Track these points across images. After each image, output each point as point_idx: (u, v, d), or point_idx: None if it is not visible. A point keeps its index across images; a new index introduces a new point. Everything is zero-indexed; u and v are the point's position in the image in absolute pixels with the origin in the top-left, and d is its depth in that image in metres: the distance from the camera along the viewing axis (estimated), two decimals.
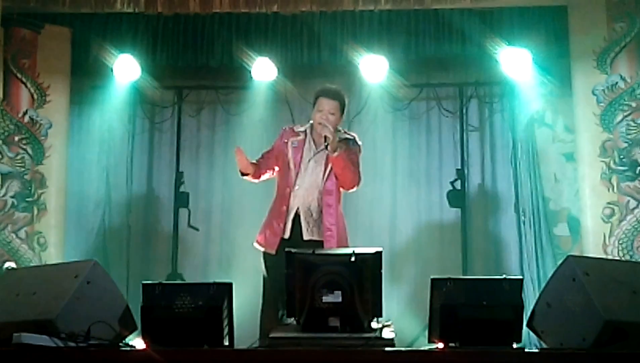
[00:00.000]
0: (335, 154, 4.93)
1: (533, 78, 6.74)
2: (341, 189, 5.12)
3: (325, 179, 5.05)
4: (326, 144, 4.93)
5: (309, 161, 5.09)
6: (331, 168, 5.04)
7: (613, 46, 6.34)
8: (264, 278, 5.06)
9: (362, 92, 7.22)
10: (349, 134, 5.20)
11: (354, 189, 5.14)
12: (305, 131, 5.16)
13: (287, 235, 5.01)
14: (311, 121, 5.15)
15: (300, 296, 3.71)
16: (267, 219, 5.14)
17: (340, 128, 5.14)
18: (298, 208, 5.03)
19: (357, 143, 5.18)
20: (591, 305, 3.40)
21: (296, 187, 5.04)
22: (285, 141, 5.16)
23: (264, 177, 5.25)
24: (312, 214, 5.02)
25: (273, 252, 4.96)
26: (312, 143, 5.13)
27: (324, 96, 5.07)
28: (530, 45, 6.56)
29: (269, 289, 4.98)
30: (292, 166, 5.08)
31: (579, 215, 6.55)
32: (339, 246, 4.98)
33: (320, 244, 4.96)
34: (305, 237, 5.00)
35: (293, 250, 3.91)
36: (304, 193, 5.03)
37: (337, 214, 5.06)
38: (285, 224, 5.02)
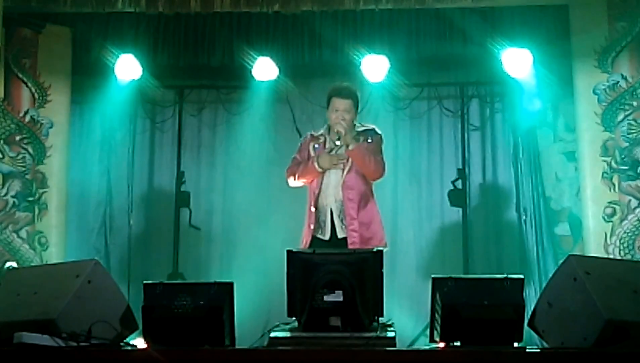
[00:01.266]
0: (351, 147, 5.02)
1: (534, 77, 6.73)
2: (369, 180, 5.21)
3: (345, 174, 5.11)
4: (337, 137, 5.03)
5: None
6: (352, 163, 5.12)
7: (614, 45, 6.33)
8: None
9: (363, 92, 7.17)
10: (367, 126, 5.29)
11: (380, 178, 5.23)
12: (324, 133, 5.26)
13: (327, 236, 5.12)
14: (328, 122, 5.26)
15: (301, 296, 3.71)
16: (305, 226, 5.24)
17: (357, 123, 5.26)
18: (331, 208, 5.09)
19: (376, 132, 5.27)
20: (592, 304, 3.39)
21: (324, 188, 5.14)
22: (308, 147, 5.28)
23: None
24: (343, 212, 5.09)
25: None
26: (331, 143, 5.23)
27: (337, 95, 5.18)
28: (532, 44, 6.56)
29: None
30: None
31: (580, 214, 6.54)
32: (368, 241, 5.04)
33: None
34: (340, 236, 5.09)
35: (294, 250, 3.92)
36: (333, 192, 5.14)
37: (360, 208, 5.11)
38: (321, 225, 5.11)
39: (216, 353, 3.39)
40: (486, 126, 7.35)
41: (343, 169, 5.16)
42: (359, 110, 5.33)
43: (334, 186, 5.16)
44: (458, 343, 3.50)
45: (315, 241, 5.13)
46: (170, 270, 7.08)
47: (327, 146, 5.27)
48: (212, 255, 7.36)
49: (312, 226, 5.13)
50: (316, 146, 5.24)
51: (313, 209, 5.14)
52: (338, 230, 5.12)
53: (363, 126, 5.28)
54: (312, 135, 5.37)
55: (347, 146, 5.07)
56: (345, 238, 5.09)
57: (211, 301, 3.52)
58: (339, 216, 5.12)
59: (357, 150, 5.08)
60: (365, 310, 3.68)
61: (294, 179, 5.28)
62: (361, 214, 5.12)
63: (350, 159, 5.17)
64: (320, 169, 5.16)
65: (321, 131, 5.35)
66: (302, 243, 5.20)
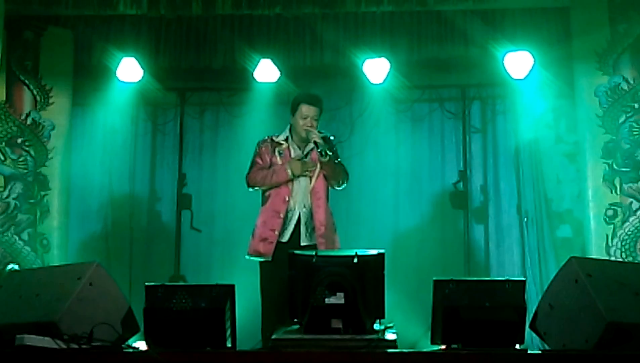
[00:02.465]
0: (326, 159, 5.01)
1: (535, 79, 6.73)
2: (331, 188, 5.26)
3: (314, 181, 5.18)
4: (320, 150, 5.03)
5: None
6: (319, 170, 5.16)
7: (615, 47, 6.34)
8: (261, 288, 5.11)
9: (365, 94, 7.22)
10: (322, 132, 5.25)
11: (344, 186, 5.27)
12: (287, 138, 5.26)
13: (285, 239, 5.10)
14: (288, 127, 5.29)
15: (302, 298, 3.71)
16: (260, 231, 5.17)
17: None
18: (299, 214, 5.09)
19: (333, 139, 5.26)
20: (594, 306, 3.40)
21: (293, 194, 5.12)
22: (272, 152, 5.24)
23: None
24: (310, 218, 5.10)
25: (270, 259, 5.03)
26: (296, 148, 5.24)
27: (307, 102, 5.22)
28: (533, 46, 6.56)
29: (268, 298, 5.01)
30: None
31: (581, 216, 6.54)
32: (330, 247, 5.08)
33: (314, 247, 5.06)
34: (303, 242, 5.10)
35: (296, 252, 3.92)
36: (302, 198, 5.14)
37: (326, 213, 5.17)
38: (283, 230, 5.10)
39: (217, 356, 3.39)
40: (487, 128, 7.34)
41: (311, 176, 5.18)
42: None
43: (302, 193, 5.17)
44: (459, 346, 3.51)
45: (277, 244, 5.09)
46: (171, 272, 7.07)
47: (292, 153, 5.25)
48: (214, 257, 7.35)
49: (276, 232, 5.10)
50: (281, 152, 5.23)
51: (282, 215, 5.12)
52: (302, 236, 5.13)
53: (320, 132, 5.23)
54: (272, 139, 5.32)
55: (326, 155, 5.05)
56: (308, 246, 5.07)
57: (212, 303, 3.52)
58: (305, 223, 5.14)
59: (331, 162, 5.09)
60: (367, 312, 3.68)
61: (261, 185, 5.24)
62: (327, 220, 5.16)
63: (317, 165, 5.18)
64: (291, 176, 5.15)
65: (283, 137, 5.31)
66: (260, 249, 5.12)
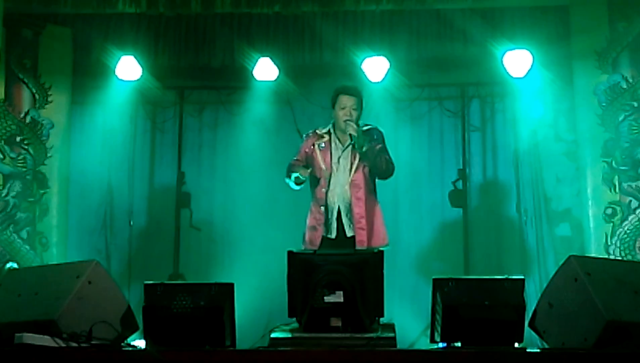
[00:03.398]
0: (363, 149, 5.04)
1: (535, 78, 6.73)
2: (377, 179, 5.30)
3: (352, 173, 5.19)
4: (352, 142, 5.11)
5: (339, 159, 5.27)
6: (358, 163, 5.18)
7: (615, 46, 6.34)
8: None
9: (364, 92, 7.18)
10: (369, 125, 5.34)
11: (391, 176, 5.34)
12: (329, 131, 5.31)
13: (333, 235, 5.18)
14: (332, 121, 5.34)
15: (301, 297, 3.71)
16: (308, 223, 5.27)
17: (359, 122, 5.32)
18: (339, 207, 5.14)
19: (380, 131, 5.35)
20: (593, 305, 3.40)
21: (331, 186, 5.19)
22: (311, 145, 5.31)
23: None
24: (350, 211, 5.16)
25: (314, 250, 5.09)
26: (337, 141, 5.27)
27: (345, 93, 5.28)
28: (532, 45, 6.56)
29: None
30: (324, 167, 5.26)
31: (580, 215, 6.54)
32: (373, 239, 5.13)
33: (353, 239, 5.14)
34: (348, 234, 5.18)
35: (295, 250, 3.93)
36: (341, 191, 5.21)
37: (367, 207, 5.19)
38: (328, 224, 5.16)
39: (217, 354, 3.39)
40: (487, 127, 7.35)
41: (350, 169, 5.20)
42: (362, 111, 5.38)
43: (341, 185, 5.22)
44: (459, 344, 3.51)
45: (324, 241, 5.17)
46: (170, 270, 7.08)
47: (332, 145, 5.30)
48: (213, 256, 7.35)
49: (321, 226, 5.17)
50: (322, 145, 5.27)
51: (322, 209, 5.18)
52: (346, 228, 5.20)
53: (366, 125, 5.34)
54: (315, 132, 5.40)
55: (361, 148, 5.10)
56: (352, 237, 5.16)
57: (212, 301, 3.52)
58: (347, 215, 5.20)
59: (369, 152, 5.15)
60: (366, 310, 3.68)
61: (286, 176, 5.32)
62: (367, 213, 5.19)
63: (357, 158, 5.20)
64: (292, 179, 5.19)
65: (325, 129, 5.39)
66: (308, 243, 5.21)
